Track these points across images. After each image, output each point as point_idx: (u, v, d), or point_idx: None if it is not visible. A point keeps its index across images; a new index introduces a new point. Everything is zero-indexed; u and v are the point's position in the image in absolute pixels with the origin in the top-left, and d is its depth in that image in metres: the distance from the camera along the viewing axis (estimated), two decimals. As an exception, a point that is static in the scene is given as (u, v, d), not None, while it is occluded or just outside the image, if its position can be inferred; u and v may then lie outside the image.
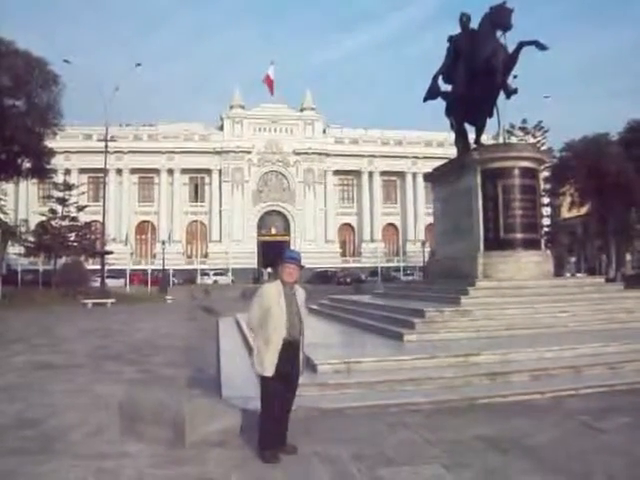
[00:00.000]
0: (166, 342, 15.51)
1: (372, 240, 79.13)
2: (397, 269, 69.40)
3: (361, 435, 6.26)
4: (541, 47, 15.00)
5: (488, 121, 16.96)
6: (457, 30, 16.95)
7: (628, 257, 53.89)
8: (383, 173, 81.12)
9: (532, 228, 15.04)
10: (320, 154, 78.03)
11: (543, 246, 15.72)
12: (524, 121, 51.38)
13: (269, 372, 5.48)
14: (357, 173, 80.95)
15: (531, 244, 14.87)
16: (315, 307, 19.98)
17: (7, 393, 8.79)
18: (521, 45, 15.21)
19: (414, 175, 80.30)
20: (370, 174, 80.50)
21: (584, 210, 51.23)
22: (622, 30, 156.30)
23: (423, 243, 66.43)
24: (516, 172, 14.73)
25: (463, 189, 15.71)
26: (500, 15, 15.32)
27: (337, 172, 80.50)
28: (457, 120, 17.37)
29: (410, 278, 59.26)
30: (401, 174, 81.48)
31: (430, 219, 78.53)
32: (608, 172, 38.73)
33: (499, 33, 15.58)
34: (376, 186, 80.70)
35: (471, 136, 17.28)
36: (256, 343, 5.66)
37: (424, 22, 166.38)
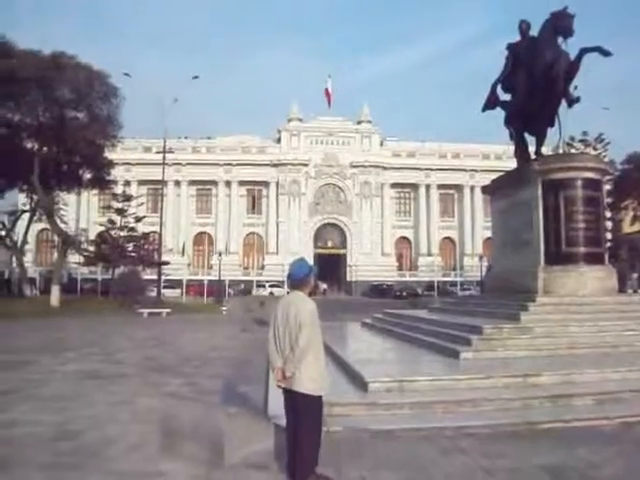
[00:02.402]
0: (216, 354, 15.36)
1: (429, 254, 78.18)
2: (454, 283, 68.27)
3: (412, 460, 5.87)
4: (604, 53, 14.37)
5: (549, 131, 16.38)
6: (514, 40, 16.45)
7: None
8: (440, 186, 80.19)
9: (595, 242, 14.33)
10: (377, 167, 77.69)
11: (607, 261, 14.94)
12: (584, 133, 49.99)
13: (325, 390, 5.20)
14: (414, 186, 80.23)
15: (594, 258, 14.16)
16: (368, 321, 19.61)
17: (51, 402, 8.72)
18: (583, 51, 14.58)
19: (472, 188, 79.16)
20: (427, 187, 79.71)
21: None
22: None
23: (480, 257, 65.10)
24: (579, 183, 14.07)
25: (523, 201, 15.12)
26: (561, 21, 14.76)
27: (394, 185, 79.95)
28: (517, 130, 16.78)
29: (467, 293, 58.17)
30: (459, 187, 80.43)
31: (488, 233, 77.60)
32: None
33: (560, 40, 15.02)
34: (433, 199, 79.82)
35: (531, 148, 16.72)
36: (304, 360, 5.15)
37: (479, 37, 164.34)
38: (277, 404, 8.16)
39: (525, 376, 8.54)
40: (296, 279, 5.39)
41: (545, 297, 12.97)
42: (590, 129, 48.06)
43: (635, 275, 50.68)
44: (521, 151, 16.92)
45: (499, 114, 17.17)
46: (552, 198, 14.14)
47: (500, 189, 17.14)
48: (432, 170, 79.07)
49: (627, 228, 53.60)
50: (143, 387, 10.13)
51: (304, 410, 5.14)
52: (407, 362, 10.67)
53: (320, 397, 5.19)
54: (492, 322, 11.71)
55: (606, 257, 14.78)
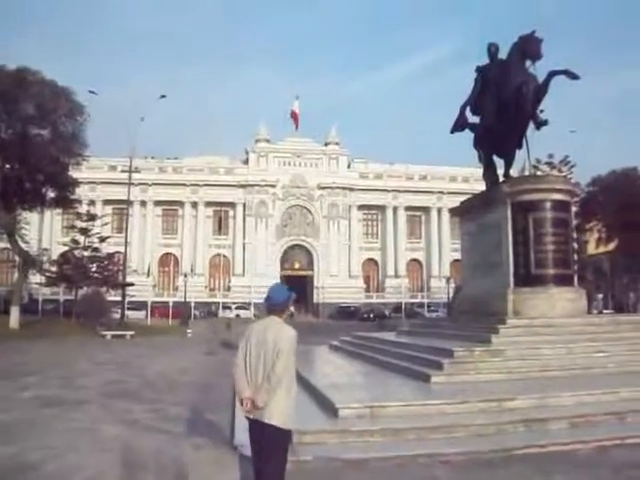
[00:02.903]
0: (182, 378, 14.95)
1: (396, 276, 78.13)
2: (421, 305, 68.31)
3: (386, 492, 5.63)
4: (572, 76, 14.48)
5: (517, 154, 16.46)
6: (484, 62, 16.54)
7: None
8: (408, 208, 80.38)
9: (565, 263, 14.37)
10: (344, 189, 77.64)
11: (576, 282, 14.96)
12: (550, 156, 50.56)
13: (294, 424, 4.91)
14: (381, 208, 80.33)
15: (564, 280, 14.20)
16: (336, 343, 19.37)
17: (7, 432, 8.27)
18: (552, 74, 14.68)
19: (439, 210, 79.60)
20: (394, 209, 79.86)
21: (611, 246, 50.11)
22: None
23: (448, 279, 65.38)
24: (548, 205, 14.13)
25: (492, 223, 15.10)
26: (530, 45, 14.93)
27: (361, 207, 79.97)
28: (485, 152, 16.83)
29: (434, 314, 58.35)
30: (426, 209, 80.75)
31: (455, 255, 78.45)
32: (638, 206, 37.83)
33: (528, 63, 15.15)
34: (400, 221, 79.96)
35: (499, 170, 16.76)
36: (277, 391, 4.77)
37: (450, 58, 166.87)
38: (244, 432, 7.89)
39: (499, 400, 8.37)
40: (275, 303, 5.06)
41: (515, 319, 12.89)
42: (556, 152, 48.64)
43: (600, 296, 51.28)
44: (490, 173, 16.96)
45: (468, 136, 17.22)
46: (521, 220, 14.15)
47: (469, 211, 17.13)
48: (399, 192, 79.27)
49: (592, 250, 54.38)
50: (105, 414, 9.72)
51: (272, 443, 4.83)
52: (377, 387, 10.39)
53: (289, 430, 4.89)
54: (463, 345, 11.56)
55: (575, 278, 14.80)
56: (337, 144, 79.22)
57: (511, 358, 10.84)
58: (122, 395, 11.91)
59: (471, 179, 77.24)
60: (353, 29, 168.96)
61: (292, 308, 67.38)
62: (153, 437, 7.62)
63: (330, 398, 8.37)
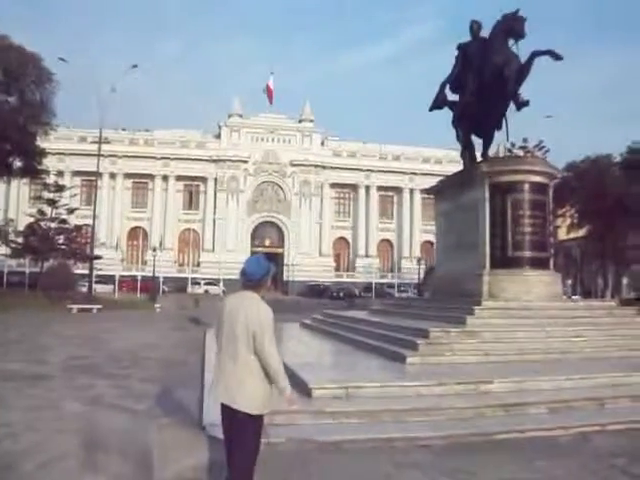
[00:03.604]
0: (148, 354, 14.54)
1: (367, 255, 78.23)
2: (391, 285, 68.56)
3: (364, 476, 5.37)
4: (556, 57, 14.19)
5: (495, 135, 16.25)
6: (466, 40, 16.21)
7: (624, 281, 53.13)
8: (380, 188, 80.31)
9: (542, 246, 14.22)
10: (317, 166, 77.24)
11: (552, 266, 14.83)
12: (525, 140, 50.46)
13: (270, 407, 4.56)
14: (354, 187, 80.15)
15: (540, 263, 14.05)
16: (308, 322, 19.11)
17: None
18: (534, 54, 14.41)
19: (411, 191, 79.74)
20: (367, 188, 79.69)
21: (581, 232, 50.49)
22: (622, 55, 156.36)
23: (419, 260, 65.62)
24: (527, 187, 13.94)
25: (469, 203, 14.88)
26: (513, 23, 14.60)
27: (334, 185, 79.72)
28: (464, 131, 16.53)
29: (404, 295, 58.48)
30: (398, 190, 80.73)
31: (426, 236, 78.92)
32: (610, 193, 38.07)
33: (511, 42, 14.85)
34: (372, 201, 79.89)
35: (477, 152, 16.53)
36: (248, 375, 4.41)
37: (428, 40, 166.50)
38: (212, 411, 7.57)
39: (477, 383, 8.18)
40: (252, 279, 4.57)
41: (490, 301, 12.73)
42: (531, 136, 48.59)
43: (569, 281, 51.74)
44: (468, 153, 16.70)
45: (442, 117, 16.94)
46: (499, 201, 13.95)
47: (446, 191, 16.92)
48: (372, 171, 79.06)
49: (563, 235, 54.75)
50: (67, 390, 9.28)
51: (242, 428, 4.50)
52: (352, 366, 10.09)
53: (261, 415, 4.54)
54: (437, 325, 11.37)
55: (551, 262, 14.67)
56: (311, 121, 78.71)
57: (487, 340, 10.67)
58: (86, 370, 11.47)
59: (444, 160, 77.44)
60: (331, 6, 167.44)
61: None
62: (117, 416, 7.27)
63: (303, 378, 8.08)
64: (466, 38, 16.21)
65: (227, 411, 4.53)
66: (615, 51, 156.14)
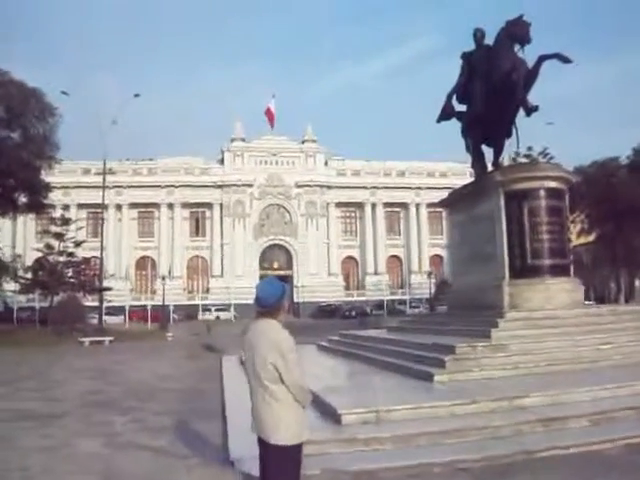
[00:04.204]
0: (165, 385, 14.21)
1: (376, 273, 77.76)
2: (402, 302, 67.95)
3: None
4: (564, 60, 13.93)
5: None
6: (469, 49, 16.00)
7: (637, 284, 52.50)
8: (386, 204, 80.00)
9: (561, 253, 13.87)
10: (322, 186, 77.11)
11: (572, 273, 14.46)
12: (529, 148, 50.30)
13: (306, 435, 4.24)
14: (360, 205, 79.88)
15: (560, 270, 13.68)
16: (325, 344, 18.74)
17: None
18: (542, 59, 14.16)
19: (417, 206, 79.46)
20: (373, 206, 79.42)
21: (591, 237, 49.98)
22: (620, 61, 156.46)
23: (429, 274, 65.10)
24: (543, 193, 13.60)
25: (484, 213, 14.56)
26: (518, 29, 14.37)
27: (339, 204, 79.45)
28: (474, 141, 16.26)
29: (416, 311, 57.99)
30: (404, 205, 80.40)
31: (434, 250, 78.61)
32: (621, 196, 37.67)
33: (517, 47, 14.61)
34: (379, 218, 79.56)
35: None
36: (276, 405, 4.13)
37: (428, 55, 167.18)
38: (239, 443, 7.22)
39: (511, 399, 7.81)
40: (266, 304, 4.26)
41: (514, 312, 12.37)
42: (536, 144, 48.32)
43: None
44: (479, 163, 16.42)
45: (446, 131, 16.68)
46: (515, 209, 13.63)
47: (458, 202, 16.61)
48: (377, 188, 78.84)
49: (574, 241, 54.23)
50: (84, 427, 8.94)
51: (275, 462, 4.17)
52: (378, 388, 9.72)
53: (297, 445, 4.22)
54: (461, 340, 11.00)
55: (571, 269, 14.31)
56: (314, 142, 78.64)
57: (515, 353, 10.30)
58: (102, 405, 11.15)
59: (449, 174, 77.32)
60: (329, 27, 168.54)
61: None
62: (138, 455, 6.92)
63: (331, 403, 7.73)
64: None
65: (263, 444, 4.24)
66: (613, 55, 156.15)
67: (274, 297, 4.27)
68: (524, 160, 49.94)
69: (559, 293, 13.19)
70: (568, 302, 13.18)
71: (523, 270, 13.41)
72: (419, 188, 78.76)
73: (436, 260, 79.26)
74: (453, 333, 12.72)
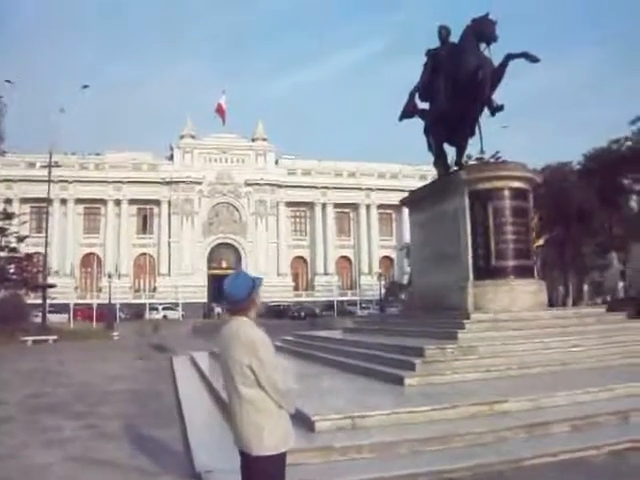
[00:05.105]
0: (115, 386, 13.50)
1: (326, 273, 77.53)
2: (352, 303, 67.77)
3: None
4: (531, 59, 13.78)
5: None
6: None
7: (585, 288, 53.56)
8: (336, 205, 79.90)
9: (525, 254, 13.73)
10: (272, 185, 76.51)
11: (536, 274, 14.35)
12: (481, 151, 50.77)
13: (291, 442, 3.83)
14: (310, 205, 79.55)
15: (525, 272, 13.55)
16: (279, 344, 18.20)
17: None
18: (509, 57, 13.99)
19: (368, 207, 79.62)
20: (323, 206, 79.19)
21: (541, 241, 50.73)
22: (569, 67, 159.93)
23: (380, 276, 65.22)
24: (507, 193, 13.43)
25: (448, 213, 14.31)
26: (484, 27, 14.18)
27: (289, 204, 79.00)
28: (437, 140, 16.04)
29: (366, 312, 57.82)
30: (355, 206, 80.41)
31: (384, 252, 78.84)
32: (571, 201, 38.25)
33: (482, 46, 14.41)
34: (329, 218, 79.38)
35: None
36: (260, 410, 3.70)
37: (376, 56, 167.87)
38: (203, 453, 6.72)
39: (491, 403, 7.49)
40: (236, 299, 3.85)
41: (479, 313, 12.12)
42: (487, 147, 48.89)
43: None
44: (441, 162, 16.25)
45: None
46: (480, 209, 13.43)
47: (420, 201, 16.36)
48: (328, 189, 78.62)
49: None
50: (31, 435, 8.23)
51: (262, 474, 3.74)
52: (347, 393, 9.19)
53: (278, 455, 3.73)
54: (426, 342, 10.67)
55: (535, 270, 14.19)
56: (264, 140, 78.11)
57: (485, 355, 10.01)
58: (50, 409, 10.40)
59: (399, 175, 77.82)
60: (280, 26, 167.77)
61: (219, 308, 65.62)
62: (93, 469, 6.32)
63: (301, 409, 7.25)
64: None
65: (244, 456, 3.80)
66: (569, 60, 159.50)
67: (244, 292, 3.84)
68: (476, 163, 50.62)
69: (524, 294, 13.03)
70: (532, 304, 13.05)
71: (487, 271, 13.20)
72: (370, 189, 78.94)
73: (386, 262, 79.61)
74: (416, 334, 12.41)
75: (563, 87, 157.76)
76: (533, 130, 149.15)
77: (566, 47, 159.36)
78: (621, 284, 56.04)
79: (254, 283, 3.89)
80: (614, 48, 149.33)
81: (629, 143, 41.13)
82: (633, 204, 46.92)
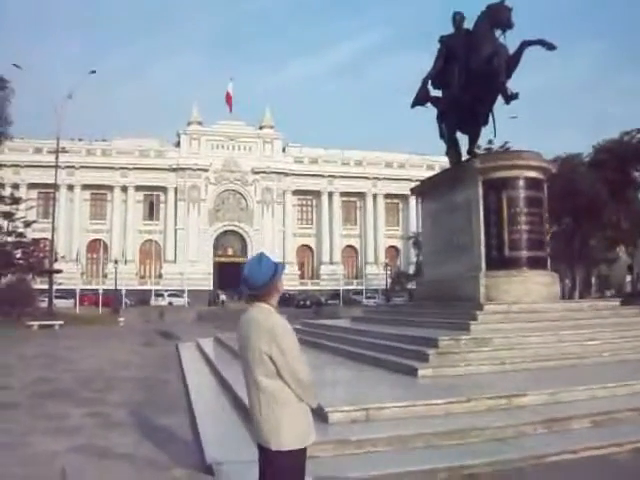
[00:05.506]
0: (122, 373, 13.37)
1: (331, 262, 77.31)
2: (357, 292, 67.61)
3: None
4: (549, 46, 13.45)
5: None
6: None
7: (593, 280, 53.33)
8: (343, 194, 79.48)
9: (539, 245, 13.50)
10: (279, 173, 76.14)
11: (549, 265, 14.10)
12: (490, 142, 50.38)
13: (312, 437, 3.68)
14: (316, 193, 79.18)
15: (538, 263, 13.30)
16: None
17: None
18: (525, 44, 13.68)
19: (374, 196, 79.14)
20: (330, 194, 78.78)
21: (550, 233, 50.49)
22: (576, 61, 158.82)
23: (386, 265, 65.04)
24: (522, 183, 13.18)
25: (460, 202, 14.07)
26: (499, 13, 13.85)
27: (296, 192, 78.62)
28: (450, 127, 15.75)
29: (372, 302, 57.73)
30: (361, 195, 79.96)
31: (390, 241, 78.56)
32: (580, 193, 37.91)
33: (498, 33, 14.12)
34: (336, 207, 79.01)
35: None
36: (281, 402, 3.52)
37: (384, 47, 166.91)
38: (213, 442, 6.55)
39: (509, 397, 7.29)
40: (256, 285, 3.61)
41: (492, 305, 11.90)
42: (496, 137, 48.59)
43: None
44: (454, 150, 15.93)
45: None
46: (494, 199, 13.18)
47: (432, 190, 16.12)
48: (335, 177, 78.22)
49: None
50: (37, 421, 8.07)
51: (271, 470, 3.57)
52: (360, 383, 9.03)
53: (297, 450, 3.55)
54: (438, 333, 10.44)
55: (548, 261, 13.96)
56: (272, 128, 77.69)
57: (500, 348, 9.80)
58: (55, 395, 10.26)
59: (407, 165, 77.35)
60: (290, 15, 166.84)
61: (223, 296, 65.57)
62: (100, 459, 6.15)
63: (315, 399, 7.09)
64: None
65: (262, 450, 3.62)
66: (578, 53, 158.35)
67: (264, 277, 3.61)
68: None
69: (537, 286, 12.81)
70: (546, 295, 12.84)
71: (500, 261, 12.98)
72: (377, 178, 78.44)
73: (392, 251, 79.31)
74: (427, 325, 12.25)
75: (575, 78, 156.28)
76: (540, 122, 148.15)
77: (571, 40, 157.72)
78: (628, 278, 55.76)
79: (276, 268, 3.67)
80: (619, 42, 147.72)
81: (641, 135, 40.75)
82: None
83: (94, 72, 40.65)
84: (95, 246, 71.36)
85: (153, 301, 61.43)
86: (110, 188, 72.61)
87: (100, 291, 52.73)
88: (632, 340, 10.91)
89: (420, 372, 8.77)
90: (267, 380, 3.50)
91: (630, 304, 16.17)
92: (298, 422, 3.57)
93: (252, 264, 3.69)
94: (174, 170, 73.31)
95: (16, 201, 43.72)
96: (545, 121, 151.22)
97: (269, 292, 3.66)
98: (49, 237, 42.49)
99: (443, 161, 16.00)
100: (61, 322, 31.60)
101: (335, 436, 6.07)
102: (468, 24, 15.03)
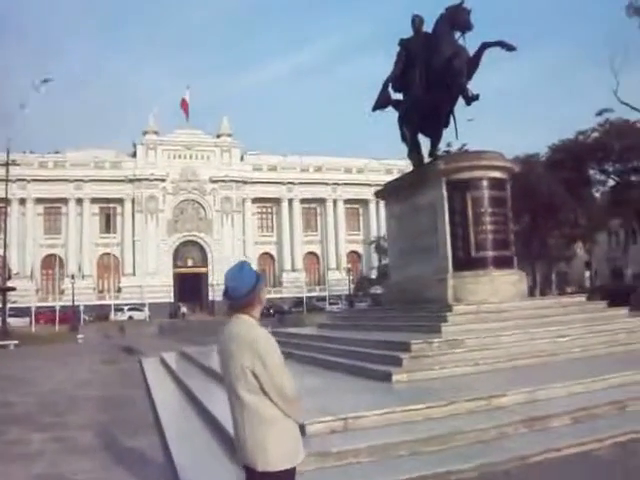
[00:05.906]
0: (85, 393, 12.91)
1: (293, 269, 77.05)
2: (320, 299, 67.38)
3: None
4: (508, 48, 13.56)
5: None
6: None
7: (553, 278, 54.02)
8: (303, 200, 79.26)
9: (505, 245, 13.51)
10: (238, 182, 75.63)
11: (515, 264, 14.12)
12: (449, 144, 50.86)
13: (301, 456, 3.45)
14: (276, 201, 78.87)
15: (504, 262, 13.32)
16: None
17: None
18: (485, 46, 13.75)
19: (334, 202, 79.19)
20: (290, 201, 78.54)
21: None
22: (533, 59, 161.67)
23: (348, 270, 65.09)
24: (486, 183, 13.18)
25: (425, 204, 14.01)
26: (458, 15, 13.89)
27: (256, 200, 78.19)
28: (411, 130, 15.72)
29: (335, 308, 57.59)
30: (321, 201, 79.84)
31: (351, 246, 78.64)
32: (539, 193, 38.40)
33: (457, 35, 14.14)
34: (296, 214, 78.79)
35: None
36: (265, 420, 3.29)
37: (341, 52, 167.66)
38: (187, 464, 6.27)
39: (488, 398, 7.17)
40: (237, 295, 3.42)
41: (461, 305, 11.84)
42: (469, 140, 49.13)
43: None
44: (416, 153, 15.93)
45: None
46: (458, 199, 13.15)
47: (396, 192, 16.05)
48: (294, 184, 78.01)
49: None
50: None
51: None
52: (335, 392, 8.69)
53: (293, 470, 3.36)
54: (408, 336, 10.29)
55: (515, 260, 13.97)
56: (229, 136, 77.21)
57: (473, 348, 9.69)
58: (15, 420, 9.72)
59: (366, 170, 77.58)
60: (243, 22, 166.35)
61: (184, 308, 64.83)
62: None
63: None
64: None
65: (249, 472, 3.37)
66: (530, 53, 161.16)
67: (247, 286, 3.42)
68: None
69: (504, 285, 12.83)
70: (514, 294, 12.86)
71: (467, 262, 12.94)
72: (336, 184, 78.50)
73: (353, 257, 79.45)
74: (397, 329, 12.11)
75: (527, 79, 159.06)
76: (498, 122, 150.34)
77: (530, 39, 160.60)
78: (587, 274, 56.76)
79: (258, 278, 3.48)
80: (579, 40, 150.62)
81: (596, 134, 41.48)
82: (597, 195, 47.52)
83: (47, 81, 39.88)
84: (50, 261, 69.69)
85: (113, 316, 60.41)
86: (65, 201, 71.11)
87: (57, 308, 51.57)
88: (601, 335, 10.97)
89: (394, 377, 8.60)
90: (250, 396, 3.29)
91: (592, 299, 16.29)
92: (285, 440, 3.35)
93: (233, 272, 3.48)
94: (131, 181, 72.26)
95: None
96: (507, 121, 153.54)
97: (251, 303, 3.46)
98: (1, 253, 41.30)
99: (401, 165, 16.04)
100: (16, 342, 30.69)
101: (315, 448, 5.81)
102: (427, 27, 15.08)
